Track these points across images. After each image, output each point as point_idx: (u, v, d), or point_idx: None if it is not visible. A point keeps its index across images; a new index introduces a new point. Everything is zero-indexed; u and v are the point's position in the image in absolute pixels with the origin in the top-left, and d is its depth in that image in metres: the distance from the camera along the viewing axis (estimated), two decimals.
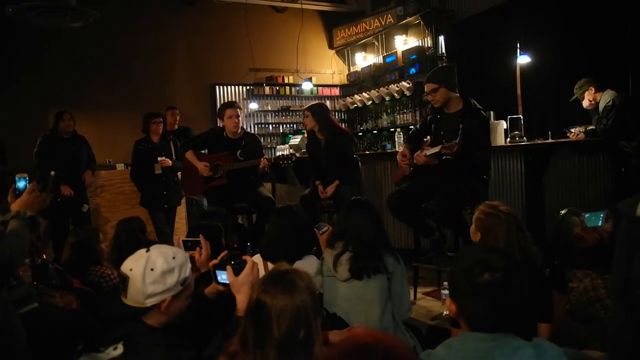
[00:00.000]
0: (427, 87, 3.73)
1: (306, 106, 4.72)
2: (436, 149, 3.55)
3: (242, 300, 1.70)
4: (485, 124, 3.77)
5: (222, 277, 1.83)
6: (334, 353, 1.00)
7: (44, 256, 2.64)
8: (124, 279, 1.64)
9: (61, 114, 5.18)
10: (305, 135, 6.70)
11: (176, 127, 6.11)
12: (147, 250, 1.67)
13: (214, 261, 1.89)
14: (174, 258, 1.67)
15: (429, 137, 3.95)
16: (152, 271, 1.62)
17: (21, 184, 2.07)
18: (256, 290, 1.40)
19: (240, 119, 4.43)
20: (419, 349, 2.43)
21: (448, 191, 3.52)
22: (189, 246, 2.43)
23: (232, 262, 1.78)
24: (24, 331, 1.86)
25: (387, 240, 2.64)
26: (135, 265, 1.64)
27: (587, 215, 2.75)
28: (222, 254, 1.90)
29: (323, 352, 1.33)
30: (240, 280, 1.73)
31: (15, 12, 4.72)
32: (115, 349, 1.57)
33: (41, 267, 2.57)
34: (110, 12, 6.51)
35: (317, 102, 5.36)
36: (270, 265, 2.49)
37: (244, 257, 1.79)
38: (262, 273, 2.39)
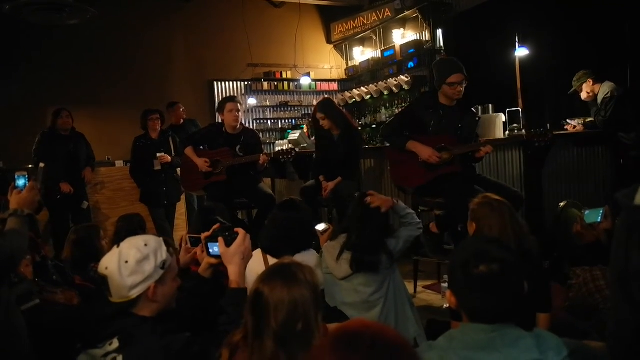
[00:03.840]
0: (459, 77, 3.49)
1: (317, 107, 4.48)
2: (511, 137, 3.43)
3: (233, 271, 1.73)
4: None
5: (214, 249, 1.84)
6: (324, 342, 1.01)
7: (42, 253, 2.64)
8: (104, 280, 1.65)
9: (59, 112, 5.17)
10: (306, 131, 6.71)
11: (182, 121, 6.12)
12: (118, 246, 1.68)
13: (206, 234, 1.89)
14: (146, 245, 1.67)
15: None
16: (127, 263, 1.62)
17: (21, 182, 2.07)
18: (257, 281, 1.42)
19: (240, 113, 4.42)
20: (421, 340, 2.45)
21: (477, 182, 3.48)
22: (193, 242, 2.43)
23: (226, 234, 1.78)
24: (26, 328, 1.87)
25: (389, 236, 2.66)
26: (109, 262, 1.65)
27: (587, 212, 2.75)
28: (215, 227, 1.90)
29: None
30: (231, 251, 1.75)
31: (13, 9, 4.71)
32: (111, 344, 1.59)
33: (42, 264, 2.57)
34: (107, 8, 6.50)
35: (323, 99, 4.83)
36: (270, 258, 2.50)
37: (236, 230, 1.80)
38: (261, 266, 2.41)
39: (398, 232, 2.69)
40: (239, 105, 4.40)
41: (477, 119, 3.66)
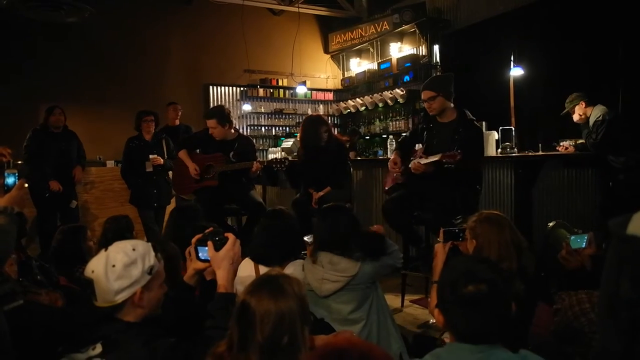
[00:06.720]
0: (425, 94, 3.67)
1: (322, 123, 4.50)
2: (435, 157, 3.44)
3: (221, 275, 1.73)
4: (480, 135, 3.79)
5: (204, 253, 1.83)
6: (310, 357, 1.01)
7: (26, 252, 2.61)
8: (90, 283, 1.63)
9: (52, 109, 5.14)
10: (298, 139, 6.70)
11: (177, 122, 6.09)
12: (106, 250, 1.66)
13: (197, 236, 1.88)
14: (134, 250, 1.65)
15: (419, 145, 3.96)
16: (114, 267, 1.60)
17: (10, 180, 2.05)
18: (244, 292, 1.41)
19: (222, 129, 4.33)
20: (406, 356, 2.45)
21: (442, 201, 3.51)
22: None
23: (215, 238, 1.78)
24: (8, 328, 1.84)
25: (364, 244, 2.65)
26: (96, 266, 1.63)
27: (572, 237, 2.78)
28: (207, 230, 1.89)
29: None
30: (220, 256, 1.75)
31: (10, 4, 4.69)
32: (94, 349, 1.57)
33: (26, 263, 2.54)
34: (105, 8, 6.48)
35: (309, 118, 4.78)
36: (261, 268, 2.49)
37: (226, 234, 1.80)
38: (252, 276, 2.39)
39: (382, 258, 2.67)
40: (215, 122, 4.31)
41: (472, 134, 3.64)
